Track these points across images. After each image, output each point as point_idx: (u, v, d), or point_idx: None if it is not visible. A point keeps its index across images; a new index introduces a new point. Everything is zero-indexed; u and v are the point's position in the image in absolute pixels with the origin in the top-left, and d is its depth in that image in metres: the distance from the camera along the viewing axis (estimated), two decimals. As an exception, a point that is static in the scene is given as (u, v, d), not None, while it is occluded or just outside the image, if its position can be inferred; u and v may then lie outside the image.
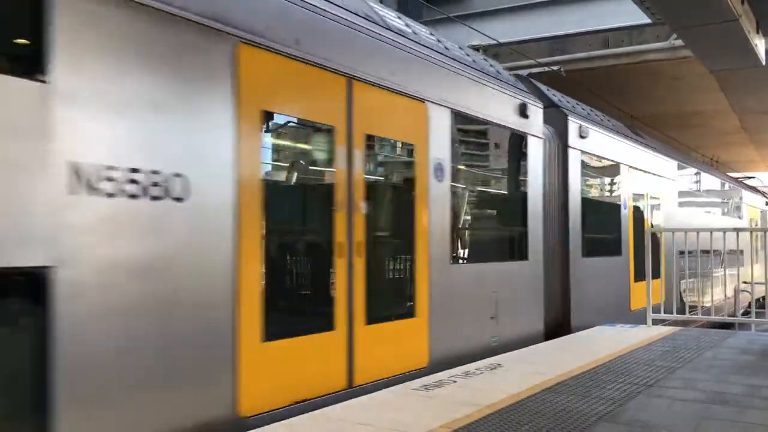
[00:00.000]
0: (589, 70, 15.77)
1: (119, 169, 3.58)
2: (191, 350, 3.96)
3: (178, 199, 3.91)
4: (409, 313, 5.97)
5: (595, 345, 7.33)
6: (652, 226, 12.04)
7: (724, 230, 9.08)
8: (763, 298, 18.28)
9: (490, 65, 8.09)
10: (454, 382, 5.34)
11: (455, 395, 4.89)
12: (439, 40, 7.05)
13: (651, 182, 12.47)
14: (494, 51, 14.46)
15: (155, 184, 3.78)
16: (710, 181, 17.94)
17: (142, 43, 3.73)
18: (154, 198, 3.77)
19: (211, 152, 4.14)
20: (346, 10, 5.43)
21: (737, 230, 9.27)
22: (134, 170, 3.66)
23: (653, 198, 12.60)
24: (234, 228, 4.26)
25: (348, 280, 5.23)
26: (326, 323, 5.03)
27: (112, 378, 3.53)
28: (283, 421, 4.19)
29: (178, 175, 3.91)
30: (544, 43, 15.99)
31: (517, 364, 6.15)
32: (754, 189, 26.34)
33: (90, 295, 3.43)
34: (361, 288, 5.33)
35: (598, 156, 10.36)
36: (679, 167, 14.60)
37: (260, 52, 4.52)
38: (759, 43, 10.27)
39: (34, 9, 3.26)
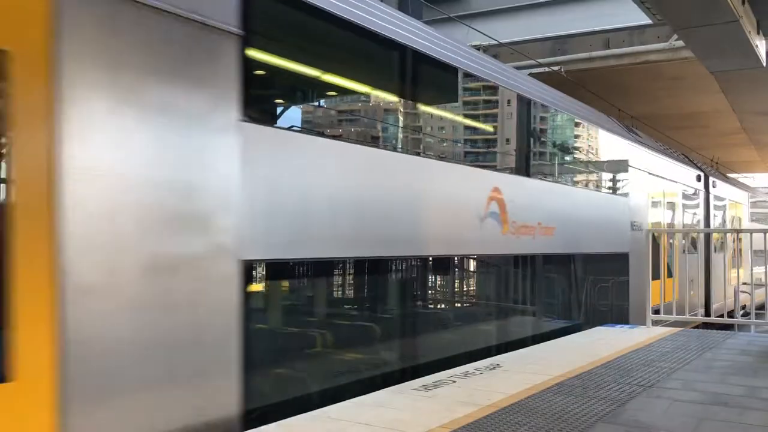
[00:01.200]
0: (589, 71, 15.76)
1: (637, 223, 11.65)
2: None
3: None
4: (671, 276, 12.46)
5: (595, 345, 7.34)
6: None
7: (724, 231, 9.11)
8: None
9: (675, 152, 16.60)
10: (453, 382, 5.34)
11: (455, 395, 4.89)
12: (660, 143, 14.81)
13: (738, 208, 21.00)
14: (494, 51, 14.42)
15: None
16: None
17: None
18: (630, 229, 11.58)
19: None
20: (649, 146, 13.08)
21: (737, 231, 9.44)
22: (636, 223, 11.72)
23: (738, 217, 20.97)
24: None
25: (660, 259, 11.63)
26: (659, 275, 10.78)
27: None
28: (280, 421, 4.19)
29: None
30: (544, 43, 15.97)
31: (517, 364, 6.16)
32: None
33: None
34: (665, 263, 11.94)
35: (718, 196, 17.92)
36: (750, 195, 24.05)
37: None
38: (759, 44, 10.28)
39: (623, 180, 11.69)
